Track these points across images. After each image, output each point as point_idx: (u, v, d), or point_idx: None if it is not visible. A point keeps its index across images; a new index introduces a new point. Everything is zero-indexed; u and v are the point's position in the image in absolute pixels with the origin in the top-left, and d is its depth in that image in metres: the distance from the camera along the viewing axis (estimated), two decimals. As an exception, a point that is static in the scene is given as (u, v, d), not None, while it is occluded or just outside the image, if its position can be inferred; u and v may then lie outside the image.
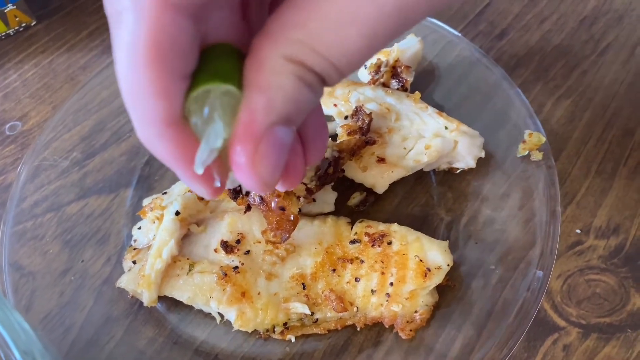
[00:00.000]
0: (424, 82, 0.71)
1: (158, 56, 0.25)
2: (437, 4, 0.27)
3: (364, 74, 0.70)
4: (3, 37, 0.87)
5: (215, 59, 0.29)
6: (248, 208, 0.57)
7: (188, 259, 0.58)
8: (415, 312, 0.54)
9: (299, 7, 0.26)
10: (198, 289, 0.56)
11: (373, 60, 0.69)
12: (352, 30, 0.26)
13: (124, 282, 0.58)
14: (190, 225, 0.59)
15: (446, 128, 0.61)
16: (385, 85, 0.66)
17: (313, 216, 0.61)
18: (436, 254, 0.55)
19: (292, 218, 0.53)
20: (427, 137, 0.61)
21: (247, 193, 0.56)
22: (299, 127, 0.34)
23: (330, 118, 0.67)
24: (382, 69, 0.66)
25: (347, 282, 0.56)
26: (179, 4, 0.25)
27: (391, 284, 0.55)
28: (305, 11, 0.26)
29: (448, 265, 0.55)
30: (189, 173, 0.30)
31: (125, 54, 0.26)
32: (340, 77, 0.29)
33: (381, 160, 0.61)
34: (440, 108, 0.64)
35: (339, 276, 0.56)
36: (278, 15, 0.27)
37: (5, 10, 0.83)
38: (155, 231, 0.59)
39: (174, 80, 0.27)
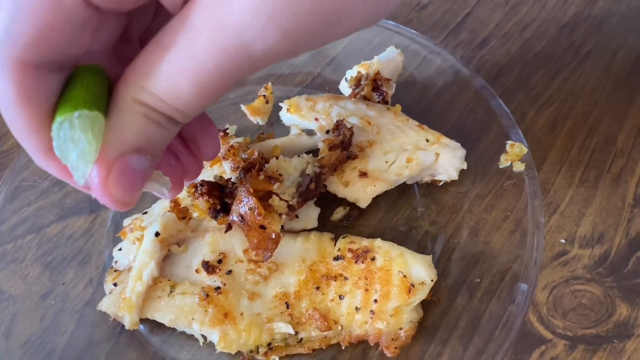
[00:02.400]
0: (404, 94, 0.70)
1: (24, 106, 0.31)
2: (258, 66, 0.32)
3: (345, 88, 0.70)
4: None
5: (72, 86, 0.33)
6: (229, 227, 0.56)
7: (169, 280, 0.57)
8: (400, 329, 0.53)
9: (145, 59, 0.32)
10: (180, 311, 0.55)
11: (353, 73, 0.68)
12: (182, 79, 0.31)
13: (105, 305, 0.58)
14: (171, 245, 0.59)
15: (427, 141, 0.61)
16: (366, 98, 0.66)
17: (296, 232, 0.61)
18: (420, 269, 0.55)
19: (273, 236, 0.53)
20: (408, 150, 0.61)
21: (228, 212, 0.56)
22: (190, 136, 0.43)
23: (312, 132, 0.67)
24: (362, 82, 0.66)
25: (331, 300, 0.55)
26: (36, 65, 0.31)
27: (375, 300, 0.54)
28: (149, 62, 0.32)
29: (432, 280, 0.54)
30: (79, 185, 0.35)
31: (4, 107, 0.32)
32: (185, 117, 0.33)
33: (363, 174, 0.61)
34: (421, 120, 0.64)
35: (322, 294, 0.56)
36: (133, 63, 0.33)
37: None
38: (135, 252, 0.58)
39: (41, 120, 0.32)
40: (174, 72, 0.31)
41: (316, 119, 0.65)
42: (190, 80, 0.31)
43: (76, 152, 0.32)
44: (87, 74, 0.34)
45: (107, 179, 0.33)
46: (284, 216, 0.54)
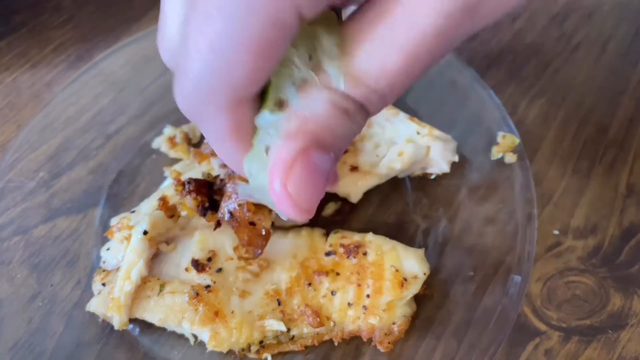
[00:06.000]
0: (395, 87, 0.70)
1: (238, 142, 0.31)
2: (476, 27, 0.28)
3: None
4: (-35, 56, 0.84)
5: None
6: (218, 224, 0.55)
7: (158, 279, 0.56)
8: (393, 323, 0.53)
9: (343, 36, 0.28)
10: (169, 310, 0.54)
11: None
12: (391, 50, 0.26)
13: (93, 305, 0.57)
14: (160, 244, 0.58)
15: (418, 133, 0.60)
16: (355, 91, 0.65)
17: (287, 229, 0.60)
18: (412, 263, 0.54)
19: (263, 233, 0.52)
20: (399, 143, 0.60)
21: (217, 209, 0.55)
22: None
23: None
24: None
25: (323, 296, 0.55)
26: (247, 97, 0.28)
27: (367, 295, 0.53)
28: (347, 38, 0.27)
29: (425, 274, 0.54)
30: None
31: (219, 145, 0.32)
32: (382, 103, 0.29)
33: (354, 168, 0.60)
34: (412, 113, 0.64)
35: (314, 290, 0.55)
36: None
37: (-34, 28, 0.81)
38: (124, 252, 0.57)
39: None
40: (382, 45, 0.26)
41: (306, 114, 0.64)
42: (401, 50, 0.26)
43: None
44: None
45: (287, 177, 0.29)
46: (274, 212, 0.53)
